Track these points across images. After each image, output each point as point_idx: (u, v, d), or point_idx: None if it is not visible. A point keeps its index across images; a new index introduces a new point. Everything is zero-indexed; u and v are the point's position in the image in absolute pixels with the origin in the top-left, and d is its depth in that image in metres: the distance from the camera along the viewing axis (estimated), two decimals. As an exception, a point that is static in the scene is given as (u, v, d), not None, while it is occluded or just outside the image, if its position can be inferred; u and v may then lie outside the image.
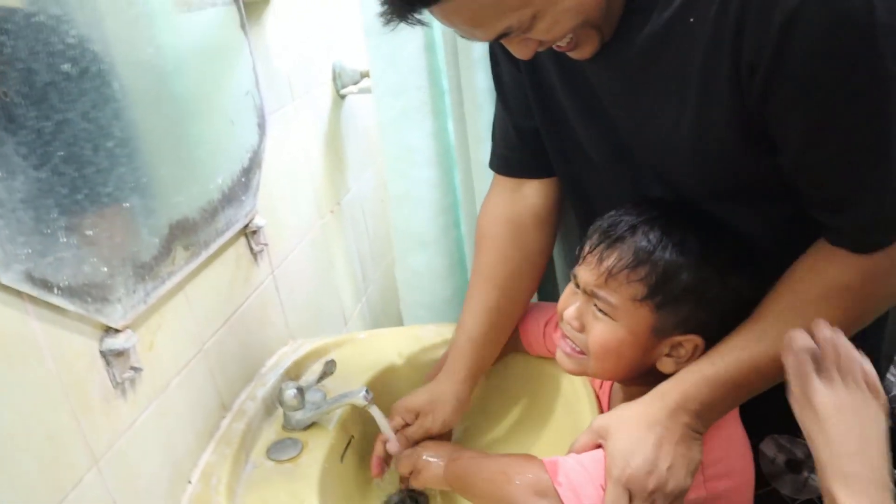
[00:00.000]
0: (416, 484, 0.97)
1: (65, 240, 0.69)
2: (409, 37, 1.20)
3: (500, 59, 1.00)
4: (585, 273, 0.83)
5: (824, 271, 0.76)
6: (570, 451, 0.82)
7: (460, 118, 1.21)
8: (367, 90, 1.43)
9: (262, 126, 1.08)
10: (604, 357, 0.82)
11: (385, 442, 1.00)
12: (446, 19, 0.72)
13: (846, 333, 0.76)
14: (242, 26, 1.04)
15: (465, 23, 0.71)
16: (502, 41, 0.75)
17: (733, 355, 0.77)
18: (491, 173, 1.17)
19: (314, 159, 1.32)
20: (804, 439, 0.89)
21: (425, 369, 1.13)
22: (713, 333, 0.80)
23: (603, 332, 0.82)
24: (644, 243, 0.79)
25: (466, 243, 1.36)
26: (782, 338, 0.71)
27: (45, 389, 0.68)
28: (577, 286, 0.85)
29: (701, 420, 0.77)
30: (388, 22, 0.72)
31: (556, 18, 0.71)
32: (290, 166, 1.22)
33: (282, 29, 1.20)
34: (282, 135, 1.18)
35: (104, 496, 0.75)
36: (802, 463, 0.93)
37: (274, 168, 1.13)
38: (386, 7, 0.71)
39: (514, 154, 1.04)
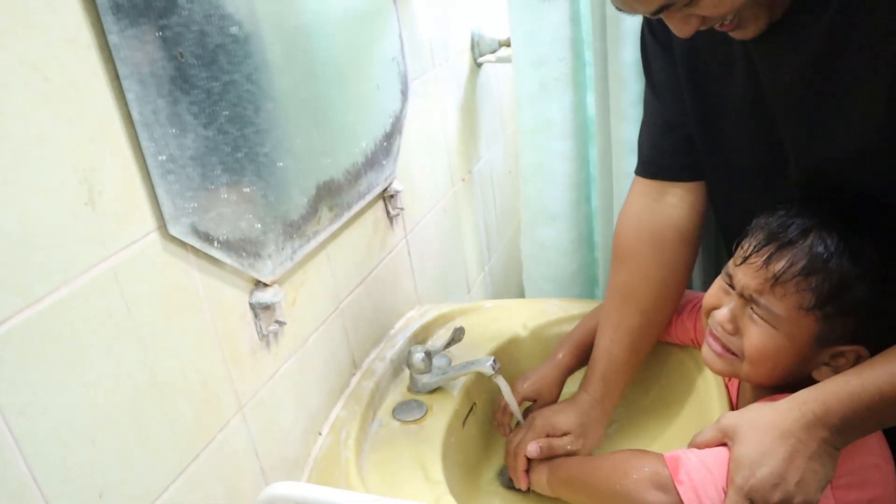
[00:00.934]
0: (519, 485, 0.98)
1: (226, 196, 0.73)
2: (552, 7, 1.17)
3: (651, 52, 0.95)
4: (746, 276, 0.77)
5: None
6: (691, 444, 0.79)
7: (603, 92, 1.18)
8: (504, 59, 1.42)
9: (404, 92, 1.09)
10: (760, 363, 0.78)
11: (504, 407, 1.02)
12: None
13: None
14: (392, -8, 1.05)
15: None
16: (663, 15, 0.71)
17: (888, 369, 0.70)
18: (630, 148, 1.14)
19: (450, 126, 1.32)
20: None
21: (549, 343, 1.12)
22: (880, 345, 0.73)
23: (762, 338, 0.77)
24: (820, 249, 0.73)
25: (597, 219, 1.33)
26: None
27: (203, 338, 0.72)
28: (731, 286, 0.80)
29: (840, 436, 0.71)
30: None
31: None
32: (428, 132, 1.23)
33: (427, -4, 1.20)
34: (421, 101, 1.19)
35: (246, 440, 0.79)
36: None
37: (413, 134, 1.15)
38: None
39: (659, 156, 0.98)
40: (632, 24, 1.08)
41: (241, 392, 0.78)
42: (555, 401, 1.04)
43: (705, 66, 0.87)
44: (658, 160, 0.99)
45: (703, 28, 0.73)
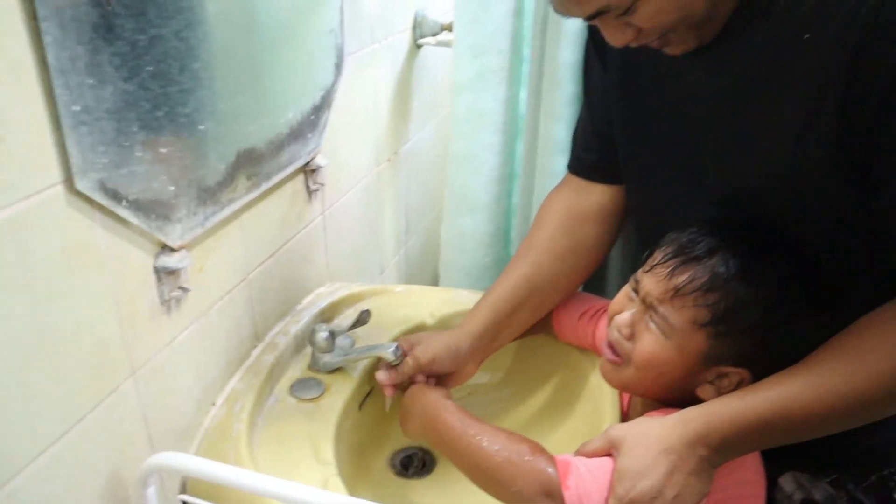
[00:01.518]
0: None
1: (140, 154, 0.70)
2: (499, -2, 1.18)
3: (590, 59, 0.98)
4: (651, 283, 0.80)
5: (892, 330, 0.72)
6: (578, 452, 0.81)
7: (536, 89, 1.19)
8: (444, 43, 1.42)
9: (338, 66, 1.07)
10: (645, 370, 0.81)
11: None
12: None
13: None
14: (338, -37, 1.03)
15: None
16: (598, 21, 0.73)
17: (769, 395, 0.74)
18: (557, 148, 1.16)
19: (382, 105, 1.31)
20: (826, 480, 0.89)
21: (455, 333, 1.13)
22: (765, 370, 0.77)
23: (652, 346, 0.80)
24: (722, 269, 0.76)
25: (516, 214, 1.35)
26: (826, 390, 0.70)
27: (101, 299, 0.69)
28: (636, 292, 0.83)
29: (719, 455, 0.75)
30: None
31: (660, 6, 0.69)
32: (359, 109, 1.21)
33: (374, -31, 1.18)
34: (355, 77, 1.17)
35: (136, 406, 0.77)
36: None
37: (342, 109, 1.13)
38: None
39: (589, 156, 1.02)
40: (572, 26, 1.09)
41: (135, 356, 0.75)
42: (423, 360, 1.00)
43: (637, 79, 0.89)
44: (588, 160, 1.02)
45: (635, 42, 0.75)
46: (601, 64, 0.95)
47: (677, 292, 0.77)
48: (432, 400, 0.91)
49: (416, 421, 0.92)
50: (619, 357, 0.84)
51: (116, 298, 0.71)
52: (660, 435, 0.76)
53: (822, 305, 0.77)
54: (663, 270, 0.79)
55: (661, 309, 0.79)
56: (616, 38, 0.75)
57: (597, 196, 1.02)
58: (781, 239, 0.78)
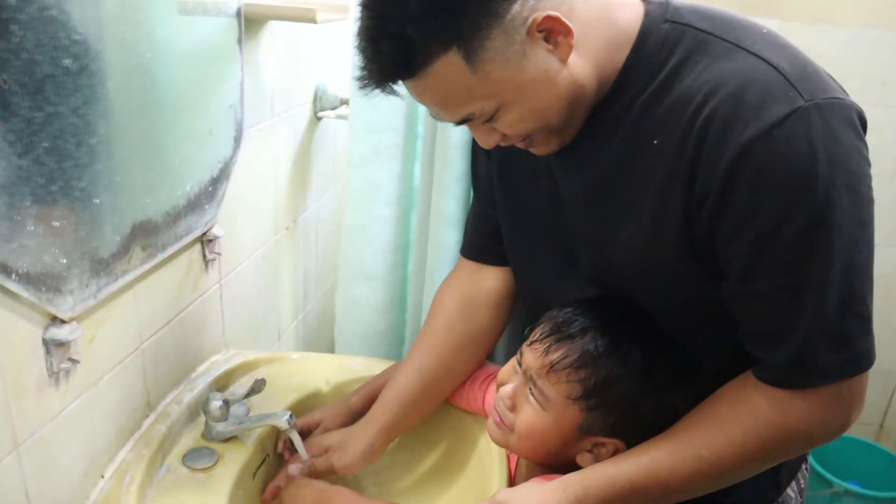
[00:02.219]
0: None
1: (32, 228, 0.71)
2: (394, 79, 1.24)
3: (476, 149, 1.05)
4: (531, 357, 0.86)
5: (744, 399, 0.78)
6: None
7: (429, 165, 1.25)
8: (343, 117, 1.47)
9: (237, 139, 1.10)
10: (526, 439, 0.86)
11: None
12: (417, 95, 0.77)
13: (758, 467, 0.81)
14: (239, 41, 1.07)
15: (434, 102, 0.77)
16: (467, 125, 0.80)
17: (639, 461, 0.81)
18: (448, 222, 1.22)
19: (281, 176, 1.34)
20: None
21: (350, 400, 1.16)
22: (638, 441, 0.84)
23: (531, 418, 0.85)
24: (591, 347, 0.83)
25: (410, 283, 1.39)
26: (689, 455, 0.77)
27: (-16, 371, 0.69)
28: (520, 364, 0.88)
29: None
30: (363, 87, 0.77)
31: (520, 116, 0.77)
32: (257, 179, 1.24)
33: (274, 48, 1.22)
34: (255, 149, 1.20)
35: (18, 481, 0.75)
36: None
37: (241, 180, 1.15)
38: (364, 74, 0.76)
39: (478, 240, 1.08)
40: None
41: (19, 429, 0.74)
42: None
43: (515, 169, 0.96)
44: (477, 243, 1.09)
45: (503, 143, 0.82)
46: (485, 154, 1.03)
47: (552, 368, 0.84)
48: (322, 488, 0.97)
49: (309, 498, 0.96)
50: (506, 425, 0.89)
51: (2, 371, 0.71)
52: (543, 498, 0.81)
53: (682, 380, 0.85)
54: (541, 346, 0.85)
55: (540, 383, 0.85)
56: (484, 140, 0.82)
57: (489, 280, 1.08)
58: (647, 319, 0.86)
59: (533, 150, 0.85)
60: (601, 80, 0.79)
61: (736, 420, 0.78)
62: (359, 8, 0.73)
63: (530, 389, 0.86)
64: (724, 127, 0.70)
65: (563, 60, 0.74)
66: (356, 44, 0.75)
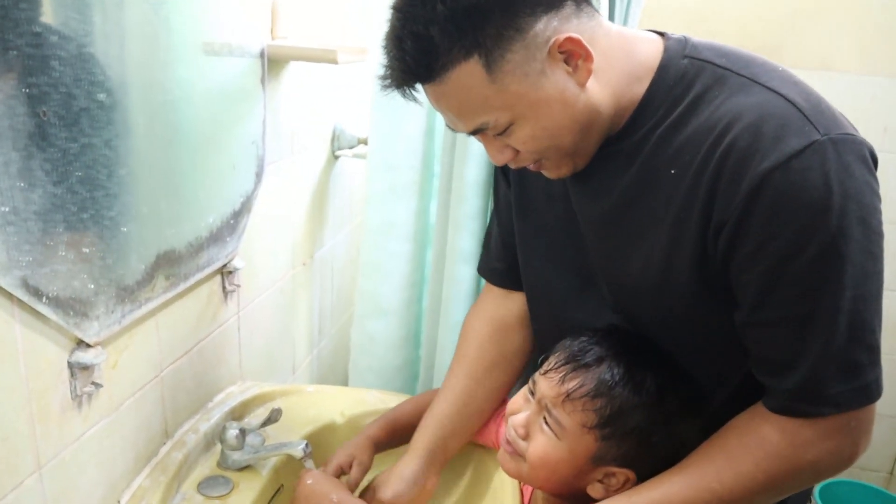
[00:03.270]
0: None
1: (63, 254, 0.74)
2: (410, 118, 1.28)
3: (498, 176, 1.08)
4: (545, 386, 0.87)
5: (754, 430, 0.79)
6: None
7: (445, 203, 1.28)
8: (360, 156, 1.51)
9: (259, 175, 1.13)
10: (539, 468, 0.87)
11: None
12: (435, 100, 0.80)
13: (769, 499, 0.81)
14: (262, 80, 1.11)
15: (451, 108, 0.79)
16: (481, 138, 0.82)
17: (651, 496, 0.81)
18: (463, 257, 1.24)
19: (299, 212, 1.37)
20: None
21: (364, 433, 1.17)
22: (648, 471, 0.85)
23: (545, 447, 0.86)
24: (607, 377, 0.84)
25: (425, 318, 1.41)
26: (701, 489, 0.78)
27: (13, 392, 0.71)
28: (532, 394, 0.89)
29: None
30: (384, 87, 0.80)
31: (532, 133, 0.79)
32: (276, 215, 1.27)
33: (295, 87, 1.27)
34: (275, 184, 1.23)
35: (39, 502, 0.77)
36: None
37: (261, 215, 1.18)
38: (387, 73, 0.78)
39: (503, 266, 1.10)
40: (478, 147, 1.19)
41: (42, 451, 0.76)
42: (368, 463, 1.06)
43: (532, 193, 0.99)
44: (501, 270, 1.10)
45: (514, 164, 0.84)
46: (504, 180, 1.05)
47: (568, 397, 0.84)
48: (336, 491, 0.95)
49: None
50: (518, 453, 0.89)
51: (28, 393, 0.73)
52: None
53: (692, 410, 0.86)
54: (556, 376, 0.86)
55: (555, 412, 0.85)
56: (496, 156, 0.84)
57: (517, 303, 1.09)
58: (658, 349, 0.87)
59: (545, 173, 0.87)
60: (619, 110, 0.81)
61: (746, 452, 0.79)
62: (389, 10, 0.76)
63: (545, 418, 0.86)
64: (743, 157, 0.72)
65: (581, 84, 0.77)
66: (382, 44, 0.78)
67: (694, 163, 0.76)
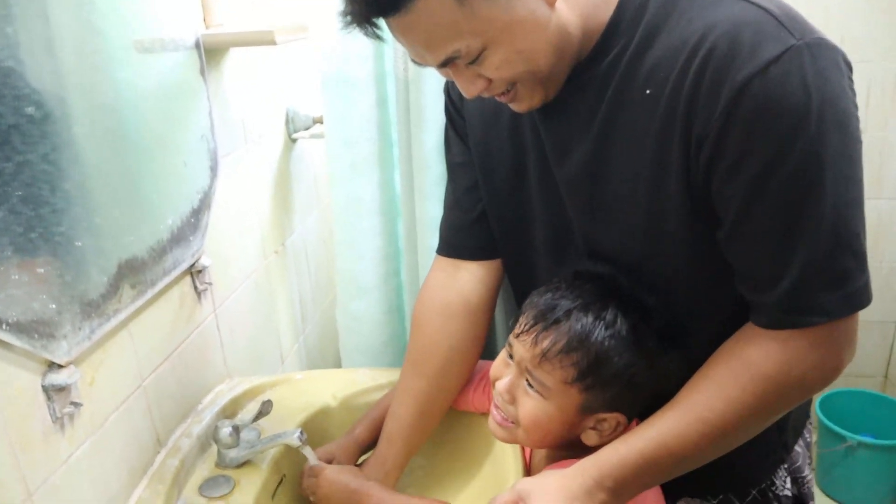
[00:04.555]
0: (316, 501, 1.00)
1: (17, 277, 0.72)
2: (362, 91, 1.25)
3: (450, 138, 1.05)
4: (521, 349, 0.86)
5: (744, 353, 0.79)
6: None
7: (408, 172, 1.26)
8: (318, 136, 1.48)
9: (213, 168, 1.11)
10: (533, 430, 0.86)
11: (310, 470, 1.04)
12: (401, 34, 0.76)
13: (762, 421, 0.81)
14: (202, 72, 1.08)
15: (418, 40, 0.76)
16: (451, 70, 0.79)
17: (647, 435, 0.81)
18: (433, 225, 1.22)
19: (262, 201, 1.35)
20: (714, 502, 0.96)
21: (359, 412, 1.16)
22: (639, 411, 0.85)
23: (533, 409, 0.85)
24: (578, 328, 0.83)
25: (405, 291, 1.40)
26: (693, 421, 0.77)
27: (-13, 423, 0.69)
28: (511, 357, 0.88)
29: (616, 497, 0.81)
30: (346, 25, 0.76)
31: (506, 57, 0.76)
32: (239, 207, 1.25)
33: (239, 75, 1.23)
34: (233, 177, 1.21)
35: (35, 530, 0.76)
36: None
37: (223, 209, 1.16)
38: (347, 10, 0.75)
39: (453, 235, 1.08)
40: (433, 112, 1.17)
41: (30, 479, 0.75)
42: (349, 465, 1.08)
43: (499, 148, 0.96)
44: (452, 239, 1.08)
45: (486, 93, 0.82)
46: (462, 143, 1.03)
47: (544, 356, 0.83)
48: (353, 482, 0.96)
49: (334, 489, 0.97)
50: (509, 420, 0.89)
51: (4, 422, 0.71)
52: (562, 485, 0.81)
53: (669, 342, 0.85)
54: (528, 337, 0.85)
55: (536, 373, 0.85)
56: (468, 88, 0.81)
57: (466, 281, 1.06)
58: (624, 289, 0.86)
59: (515, 106, 0.84)
60: (586, 34, 0.79)
61: (732, 378, 0.79)
62: None
63: (527, 380, 0.86)
64: (721, 67, 0.70)
65: (551, 5, 0.75)
66: None
67: (669, 80, 0.74)
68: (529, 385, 0.86)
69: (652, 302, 0.85)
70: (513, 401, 0.88)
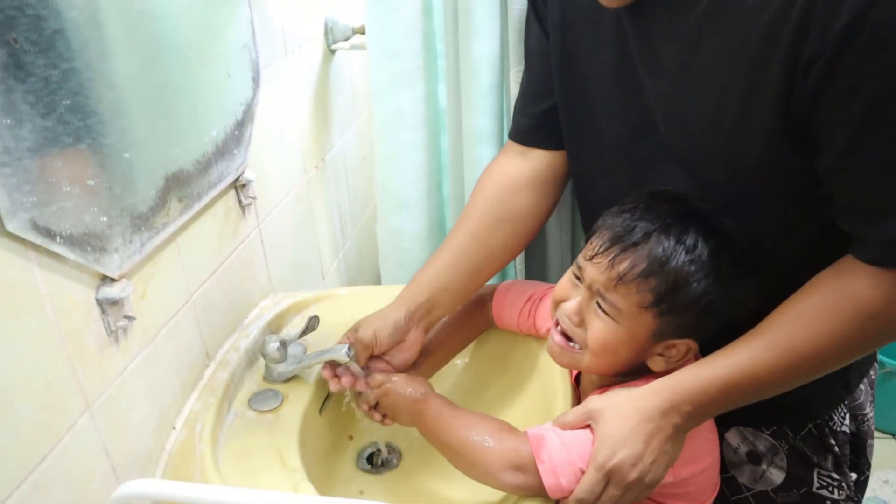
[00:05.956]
0: (382, 410, 0.97)
1: (67, 189, 0.70)
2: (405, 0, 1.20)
3: (531, 24, 1.00)
4: (594, 272, 0.83)
5: (847, 287, 0.75)
6: (556, 423, 0.84)
7: (455, 84, 1.22)
8: (358, 47, 1.43)
9: (255, 80, 1.07)
10: (601, 354, 0.84)
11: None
12: None
13: (855, 356, 0.78)
14: (242, -23, 1.03)
15: None
16: None
17: (736, 360, 0.78)
18: (481, 138, 1.19)
19: (302, 114, 1.32)
20: (767, 433, 0.94)
21: (403, 329, 1.16)
22: (709, 337, 0.82)
23: (604, 331, 0.83)
24: (658, 252, 0.80)
25: (448, 207, 1.38)
26: (787, 352, 0.75)
27: (45, 337, 0.69)
28: (579, 279, 0.86)
29: (690, 420, 0.80)
30: None
31: None
32: (280, 121, 1.22)
33: (279, -19, 1.19)
34: (273, 89, 1.17)
35: (95, 440, 0.77)
36: (762, 456, 0.97)
37: (264, 122, 1.13)
38: None
39: (525, 121, 1.04)
40: (483, 17, 1.12)
41: (88, 391, 0.75)
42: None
43: (577, 42, 0.91)
44: (524, 125, 1.05)
45: None
46: (541, 30, 0.98)
47: (621, 279, 0.81)
48: (413, 391, 0.94)
49: (404, 415, 0.94)
50: (574, 342, 0.87)
51: (62, 335, 0.71)
52: (637, 406, 0.80)
53: (749, 269, 0.82)
54: (604, 260, 0.82)
55: (609, 296, 0.82)
56: None
57: (534, 163, 1.04)
58: (704, 212, 0.82)
59: (605, 2, 0.80)
60: None
61: (832, 311, 0.75)
62: None
63: (598, 303, 0.83)
64: None
65: None
66: None
67: None
68: (601, 308, 0.83)
69: (730, 226, 0.82)
70: (581, 323, 0.85)
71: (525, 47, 1.05)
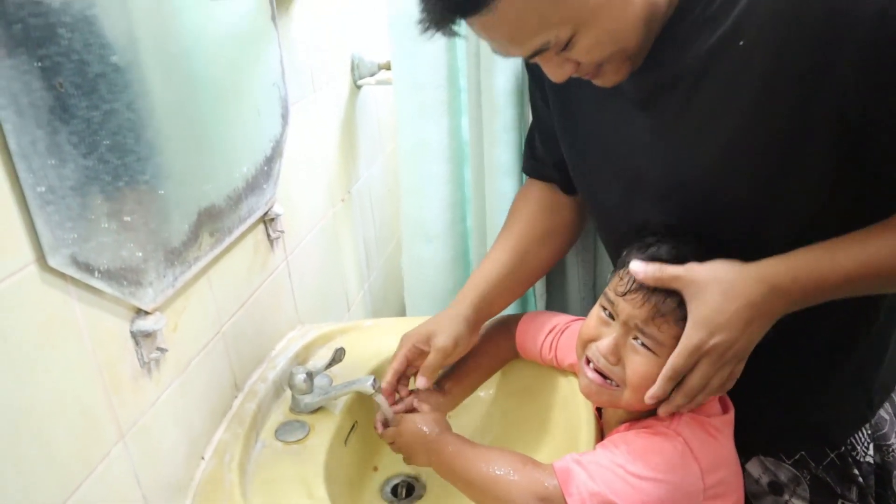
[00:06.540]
0: (396, 450, 0.99)
1: (106, 225, 0.73)
2: (430, 36, 1.23)
3: (533, 92, 1.04)
4: (629, 307, 0.82)
5: None
6: (641, 271, 0.81)
7: (477, 117, 1.24)
8: (383, 82, 1.46)
9: (284, 116, 1.11)
10: (642, 389, 0.82)
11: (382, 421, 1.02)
12: (485, 32, 0.74)
13: None
14: (273, 18, 1.07)
15: (504, 36, 0.73)
16: (539, 59, 0.77)
17: (858, 255, 0.75)
18: (503, 171, 1.21)
19: (330, 148, 1.35)
20: (789, 462, 0.94)
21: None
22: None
23: (645, 366, 0.82)
24: None
25: (471, 238, 1.39)
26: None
27: (82, 367, 0.71)
28: (611, 316, 0.85)
29: (792, 307, 0.77)
30: (425, 30, 0.74)
31: (597, 39, 0.73)
32: (308, 155, 1.25)
33: (307, 20, 1.22)
34: (301, 124, 1.20)
35: (128, 468, 0.79)
36: (784, 486, 0.96)
37: (292, 157, 1.16)
38: (425, 15, 0.73)
39: (549, 162, 1.08)
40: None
41: (122, 420, 0.77)
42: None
43: (575, 104, 0.94)
44: (548, 166, 1.09)
45: (576, 74, 0.79)
46: (541, 98, 1.01)
47: (658, 313, 0.81)
48: (429, 432, 0.95)
49: (420, 455, 0.96)
50: (611, 381, 0.86)
51: (98, 366, 0.73)
52: (744, 290, 0.76)
53: None
54: (637, 295, 0.82)
55: (648, 330, 0.81)
56: (556, 74, 0.79)
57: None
58: (730, 246, 0.82)
59: (599, 82, 0.82)
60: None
61: None
62: None
63: (636, 338, 0.83)
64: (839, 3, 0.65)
65: None
66: None
67: (767, 28, 0.70)
68: (640, 343, 0.83)
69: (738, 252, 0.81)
70: (618, 361, 0.84)
71: (532, 110, 1.09)
